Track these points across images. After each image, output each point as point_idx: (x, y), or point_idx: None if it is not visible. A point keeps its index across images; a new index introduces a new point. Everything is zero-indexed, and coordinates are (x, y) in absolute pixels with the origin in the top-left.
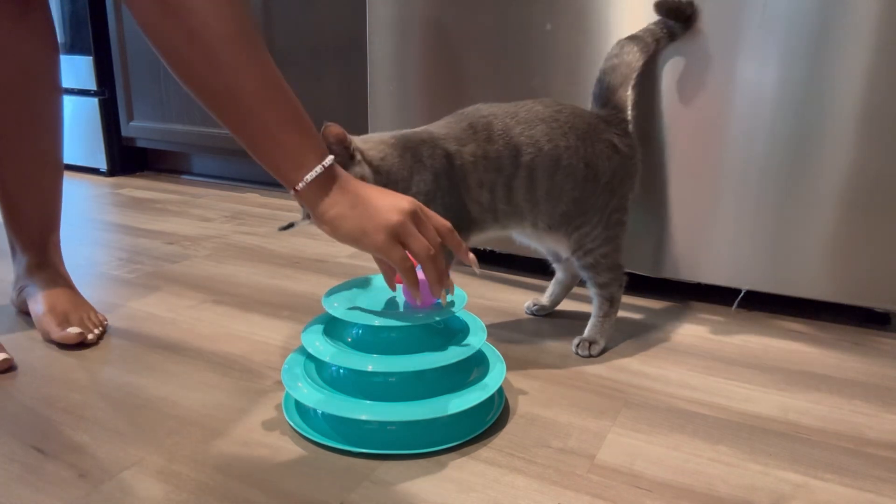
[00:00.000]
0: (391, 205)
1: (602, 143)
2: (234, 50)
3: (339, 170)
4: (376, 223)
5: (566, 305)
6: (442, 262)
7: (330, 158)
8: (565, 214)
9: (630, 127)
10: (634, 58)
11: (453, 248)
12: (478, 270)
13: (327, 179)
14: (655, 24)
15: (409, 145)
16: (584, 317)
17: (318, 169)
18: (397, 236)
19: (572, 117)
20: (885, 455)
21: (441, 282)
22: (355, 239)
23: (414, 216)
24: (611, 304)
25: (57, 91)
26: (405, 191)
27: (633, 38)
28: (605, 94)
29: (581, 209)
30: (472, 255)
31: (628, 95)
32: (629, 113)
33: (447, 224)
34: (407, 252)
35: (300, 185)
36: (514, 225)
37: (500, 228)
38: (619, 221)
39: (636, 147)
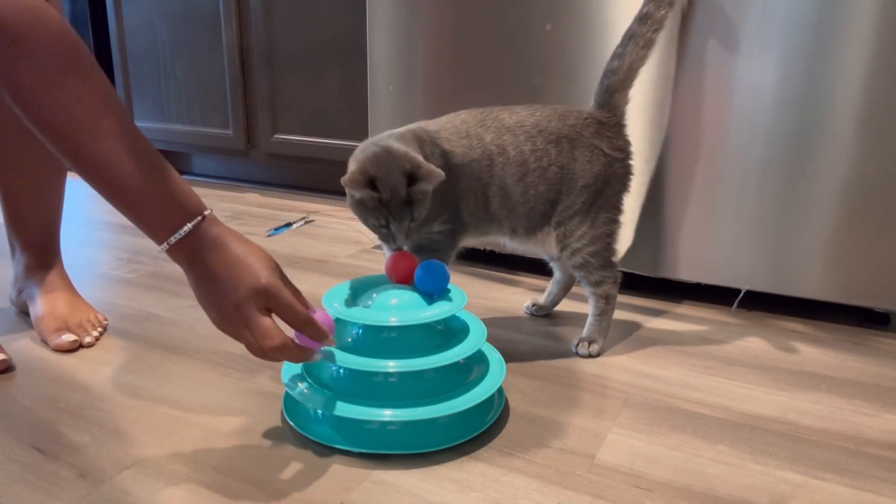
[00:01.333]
0: (228, 289)
1: (584, 146)
2: (98, 113)
3: (207, 232)
4: (214, 305)
5: (565, 306)
6: (289, 349)
7: (196, 220)
8: (543, 215)
9: (625, 129)
10: (637, 57)
11: (312, 336)
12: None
13: (192, 242)
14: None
15: (417, 143)
16: (584, 317)
17: (183, 231)
18: (235, 323)
19: (543, 121)
20: (885, 455)
21: (303, 358)
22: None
23: (259, 300)
24: (606, 301)
25: None
26: None
27: (634, 36)
28: (604, 96)
29: (557, 210)
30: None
31: (626, 98)
32: (625, 115)
33: (303, 312)
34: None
35: (163, 245)
36: (494, 231)
37: (480, 235)
38: (609, 221)
39: (628, 150)
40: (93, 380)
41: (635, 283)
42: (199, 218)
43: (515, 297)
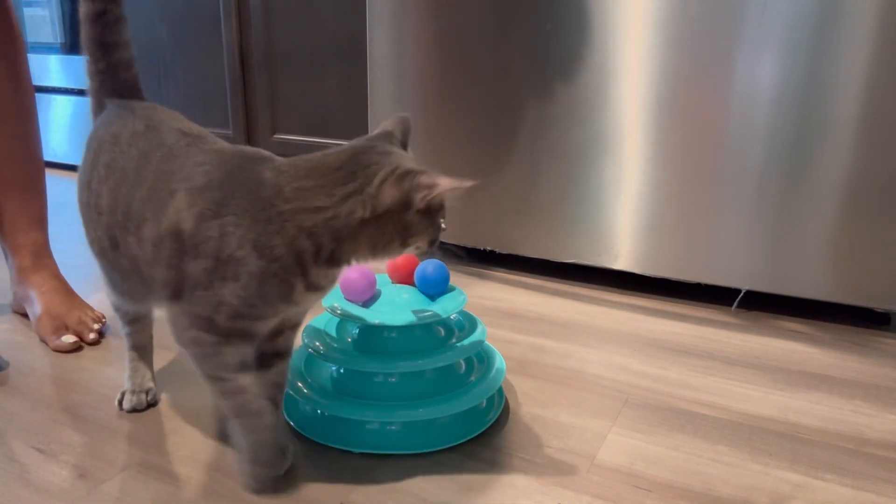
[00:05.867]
0: None
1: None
2: None
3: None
4: None
5: (566, 307)
6: None
7: None
8: None
9: None
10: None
11: None
12: None
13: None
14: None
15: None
16: (584, 318)
17: None
18: None
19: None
20: (885, 455)
21: None
22: None
23: None
24: None
25: (17, 84)
26: None
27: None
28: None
29: None
30: None
31: None
32: None
33: None
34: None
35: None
36: None
37: None
38: None
39: None
40: (93, 380)
41: (636, 283)
42: None
43: (515, 297)
